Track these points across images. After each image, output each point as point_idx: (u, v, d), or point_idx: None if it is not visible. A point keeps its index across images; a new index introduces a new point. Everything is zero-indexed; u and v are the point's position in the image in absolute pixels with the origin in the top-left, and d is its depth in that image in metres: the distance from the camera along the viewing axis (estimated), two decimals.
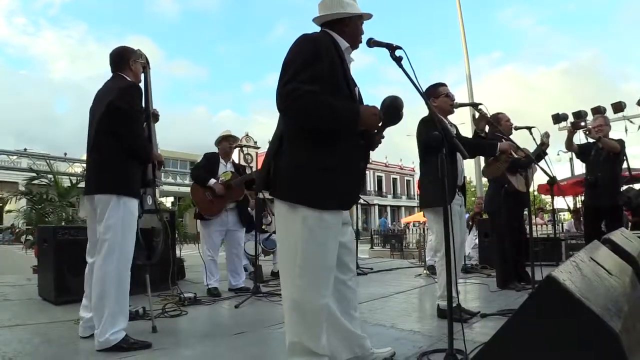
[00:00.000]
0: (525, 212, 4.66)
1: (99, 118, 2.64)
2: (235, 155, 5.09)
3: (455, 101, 3.36)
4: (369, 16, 2.13)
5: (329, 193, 1.83)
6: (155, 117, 3.08)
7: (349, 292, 2.10)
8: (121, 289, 2.53)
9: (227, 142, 4.78)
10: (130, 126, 2.61)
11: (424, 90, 2.09)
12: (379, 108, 1.92)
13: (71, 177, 7.35)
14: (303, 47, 1.87)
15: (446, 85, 3.40)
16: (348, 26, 2.04)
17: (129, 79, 2.78)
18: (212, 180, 4.52)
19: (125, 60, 2.81)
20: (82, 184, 6.99)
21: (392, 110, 1.91)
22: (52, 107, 78.35)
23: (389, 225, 31.70)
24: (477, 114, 3.45)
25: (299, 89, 1.73)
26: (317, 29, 2.09)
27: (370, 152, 2.14)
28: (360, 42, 2.12)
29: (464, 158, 2.90)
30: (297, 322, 1.84)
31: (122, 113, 2.57)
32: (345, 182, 1.89)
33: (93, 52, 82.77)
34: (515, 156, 3.60)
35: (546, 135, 4.10)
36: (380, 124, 1.92)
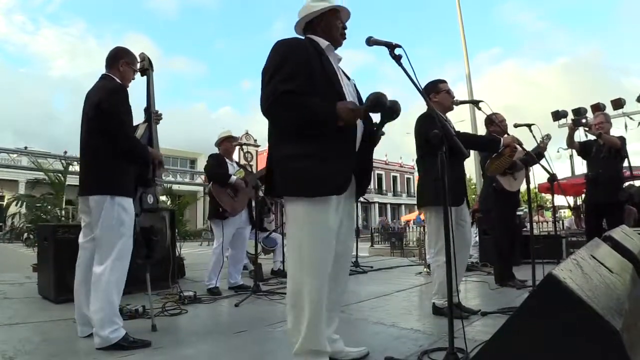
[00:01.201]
0: (526, 210, 4.68)
1: (88, 119, 2.64)
2: (235, 154, 5.10)
3: (455, 98, 3.37)
4: (346, 12, 2.17)
5: (317, 181, 1.87)
6: (157, 118, 3.09)
7: (334, 291, 2.10)
8: (118, 288, 2.54)
9: (228, 142, 4.80)
10: (119, 128, 2.58)
11: (423, 88, 2.09)
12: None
13: (60, 175, 7.26)
14: (275, 52, 1.97)
15: (446, 82, 3.39)
16: (319, 25, 2.13)
17: (117, 80, 2.75)
18: (234, 177, 4.54)
19: (115, 62, 2.79)
20: (71, 182, 7.02)
21: (375, 103, 1.92)
22: (51, 104, 78.28)
23: (391, 224, 31.69)
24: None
25: (276, 90, 1.85)
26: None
27: (369, 145, 2.17)
28: (342, 37, 2.17)
29: (463, 155, 2.90)
30: (297, 316, 1.89)
31: (108, 115, 2.55)
32: (332, 168, 1.91)
33: (92, 50, 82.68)
34: (520, 149, 3.60)
35: (547, 137, 4.09)
36: (364, 116, 1.97)
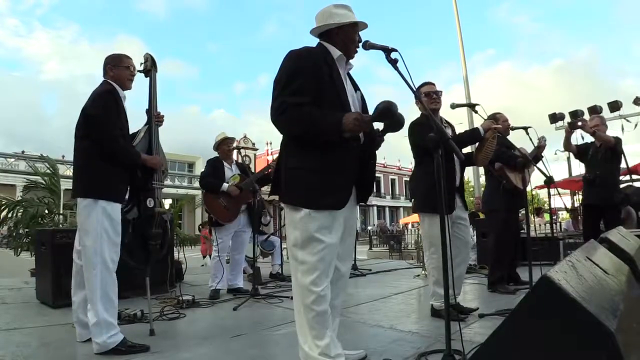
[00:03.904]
0: (523, 212, 4.65)
1: (77, 123, 2.66)
2: (233, 157, 5.08)
3: (439, 94, 3.32)
4: (364, 25, 2.19)
5: (319, 194, 1.93)
6: (159, 121, 3.06)
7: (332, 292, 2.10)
8: (112, 293, 2.53)
9: (225, 144, 4.77)
10: (104, 131, 2.57)
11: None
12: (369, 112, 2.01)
13: (53, 178, 7.23)
14: (287, 64, 2.02)
15: (429, 84, 3.36)
16: (338, 35, 2.14)
17: (111, 84, 2.74)
18: (225, 185, 4.52)
19: (104, 70, 2.78)
20: (67, 186, 6.98)
21: (385, 112, 1.92)
22: (44, 108, 78.13)
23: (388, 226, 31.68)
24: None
25: (284, 102, 1.92)
26: (314, 39, 2.21)
27: (371, 152, 2.18)
28: (356, 49, 2.18)
29: (460, 159, 2.90)
30: (303, 321, 1.93)
31: (93, 119, 2.57)
32: (334, 182, 1.96)
33: (85, 53, 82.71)
34: (499, 127, 3.49)
35: (543, 139, 4.08)
36: (368, 128, 1.99)
